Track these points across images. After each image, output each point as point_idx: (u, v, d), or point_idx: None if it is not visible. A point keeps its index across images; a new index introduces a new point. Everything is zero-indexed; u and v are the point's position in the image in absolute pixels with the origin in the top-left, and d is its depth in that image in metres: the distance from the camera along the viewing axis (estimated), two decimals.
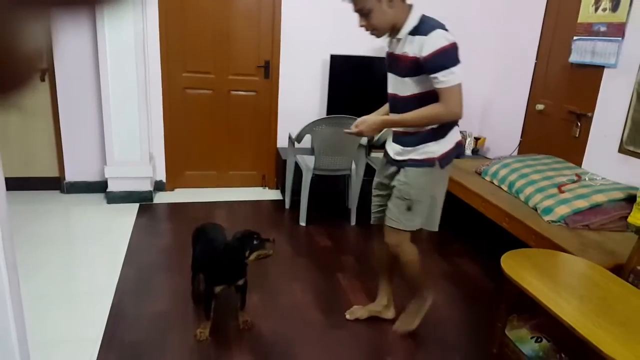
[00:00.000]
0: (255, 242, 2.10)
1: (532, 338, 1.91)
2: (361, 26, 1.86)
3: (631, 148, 2.98)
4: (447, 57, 1.73)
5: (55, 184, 3.96)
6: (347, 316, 2.38)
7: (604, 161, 3.17)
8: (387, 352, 2.12)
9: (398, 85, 1.92)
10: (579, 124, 3.40)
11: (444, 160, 1.96)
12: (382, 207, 2.16)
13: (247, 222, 3.72)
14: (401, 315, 2.30)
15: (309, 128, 3.41)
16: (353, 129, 2.03)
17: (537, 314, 2.03)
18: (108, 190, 3.80)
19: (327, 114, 3.97)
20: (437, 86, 1.76)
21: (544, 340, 1.88)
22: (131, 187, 3.81)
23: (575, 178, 2.99)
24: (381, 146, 3.84)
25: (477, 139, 4.43)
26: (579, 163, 3.34)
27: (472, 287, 2.87)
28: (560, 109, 3.62)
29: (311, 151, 3.70)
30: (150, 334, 2.22)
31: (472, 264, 3.14)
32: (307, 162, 3.61)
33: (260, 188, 4.38)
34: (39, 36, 0.27)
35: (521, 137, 4.05)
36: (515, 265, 1.95)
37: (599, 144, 3.25)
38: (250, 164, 4.33)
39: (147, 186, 3.87)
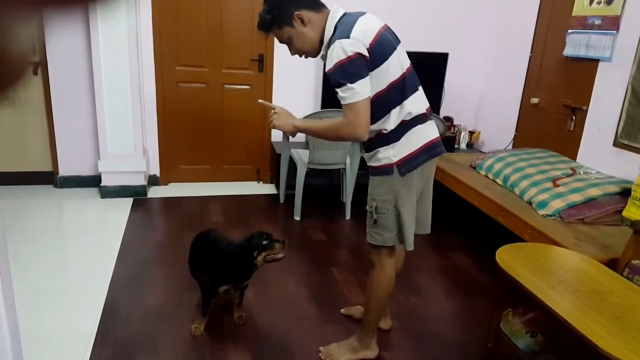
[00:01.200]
0: (264, 242, 2.04)
1: (526, 332, 1.92)
2: (292, 54, 1.78)
3: (626, 142, 2.99)
4: (344, 72, 1.57)
5: (49, 178, 3.92)
6: (342, 310, 2.38)
7: (598, 155, 3.18)
8: (381, 347, 2.12)
9: None
10: (574, 118, 3.40)
11: (404, 165, 1.72)
12: None
13: (242, 216, 3.71)
14: (335, 343, 2.09)
15: None
16: (272, 111, 1.87)
17: (532, 308, 2.04)
18: (102, 184, 3.77)
19: (322, 107, 3.96)
20: (341, 102, 1.63)
21: (539, 335, 1.89)
22: (125, 182, 3.78)
23: (570, 172, 3.00)
24: None
25: (471, 133, 4.43)
26: (573, 157, 3.34)
27: (467, 281, 2.87)
28: (554, 103, 3.62)
29: (305, 145, 3.68)
30: (144, 329, 2.21)
31: (467, 258, 3.14)
32: (302, 156, 3.60)
33: (255, 182, 4.37)
34: (31, 31, 0.27)
35: (516, 131, 4.06)
36: (510, 260, 1.95)
37: (593, 137, 3.25)
38: (245, 158, 4.30)
39: (140, 180, 3.84)
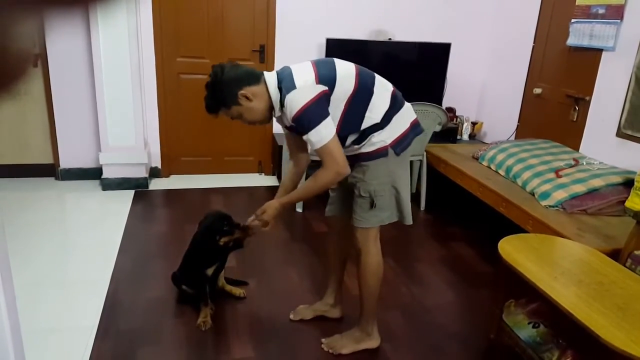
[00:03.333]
0: (224, 227, 2.16)
1: (529, 323, 1.91)
2: (248, 124, 1.86)
3: (629, 132, 2.96)
4: (307, 117, 1.63)
5: (50, 170, 3.92)
6: (291, 316, 2.27)
7: (601, 145, 3.16)
8: (383, 338, 2.12)
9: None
10: (577, 108, 3.38)
11: (398, 146, 1.81)
12: (334, 200, 2.08)
13: (243, 208, 3.70)
14: (337, 334, 2.10)
15: None
16: (256, 221, 1.95)
17: (534, 299, 2.03)
18: (103, 176, 3.77)
19: None
20: (310, 146, 1.70)
21: (542, 326, 1.88)
22: (126, 174, 3.78)
23: (573, 162, 2.98)
24: None
25: (474, 124, 4.41)
26: (576, 147, 3.32)
27: (469, 272, 2.87)
28: (557, 93, 3.60)
29: None
30: (146, 321, 2.22)
31: (469, 249, 3.14)
32: None
33: (257, 174, 4.36)
34: (32, 29, 0.27)
35: (518, 122, 4.03)
36: (513, 251, 1.95)
37: (596, 128, 3.23)
38: (246, 150, 4.29)
39: (142, 173, 3.83)
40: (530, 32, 3.86)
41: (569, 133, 3.43)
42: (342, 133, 1.76)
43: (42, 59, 3.63)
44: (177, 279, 2.37)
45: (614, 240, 2.28)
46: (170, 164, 4.15)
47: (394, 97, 1.83)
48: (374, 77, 1.83)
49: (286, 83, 1.67)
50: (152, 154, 4.01)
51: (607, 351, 1.43)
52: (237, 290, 2.41)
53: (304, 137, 1.70)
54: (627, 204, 2.57)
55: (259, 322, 2.27)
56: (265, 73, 1.75)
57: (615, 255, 2.11)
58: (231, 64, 1.78)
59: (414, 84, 4.20)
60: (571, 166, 2.94)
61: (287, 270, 2.76)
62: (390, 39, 4.14)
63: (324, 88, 1.66)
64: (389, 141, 1.79)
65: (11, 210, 3.28)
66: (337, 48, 3.93)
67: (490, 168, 3.34)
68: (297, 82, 1.66)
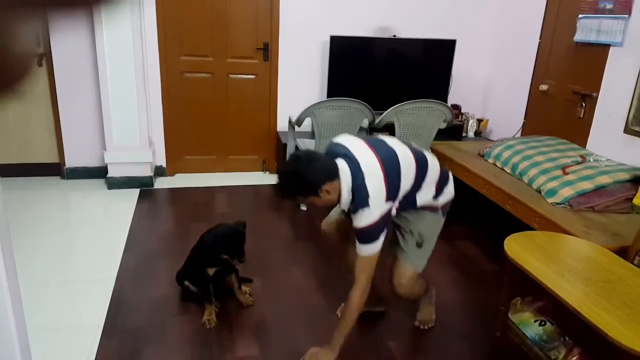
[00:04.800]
0: (224, 257, 2.19)
1: (535, 321, 1.90)
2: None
3: (637, 128, 2.93)
4: (370, 234, 1.78)
5: (56, 169, 3.94)
6: (340, 315, 2.27)
7: (609, 142, 3.13)
8: (389, 336, 2.11)
9: None
10: (584, 105, 3.35)
11: (444, 208, 2.07)
12: (333, 220, 2.23)
13: (248, 207, 3.70)
14: (418, 313, 2.29)
15: (309, 111, 3.37)
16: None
17: (540, 297, 2.02)
18: (108, 175, 3.78)
19: (328, 96, 3.92)
20: (357, 252, 1.83)
21: (548, 324, 1.87)
22: (131, 173, 3.79)
23: (580, 159, 2.95)
24: (383, 128, 3.80)
25: (479, 121, 4.38)
26: (583, 144, 3.29)
27: (475, 270, 2.85)
28: (564, 90, 3.56)
29: (312, 135, 3.66)
30: (151, 319, 2.22)
31: (475, 247, 3.12)
32: (308, 146, 3.57)
33: (261, 173, 4.36)
34: (35, 29, 0.26)
35: (524, 119, 4.00)
36: (519, 248, 1.93)
37: (603, 124, 3.20)
38: (251, 148, 4.29)
39: (147, 171, 3.84)
40: (536, 28, 3.83)
41: (576, 130, 3.40)
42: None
43: (46, 58, 3.65)
44: (180, 276, 2.37)
45: (621, 238, 2.26)
46: (175, 162, 4.16)
47: (438, 186, 2.00)
48: (425, 173, 1.94)
49: (360, 196, 1.75)
50: (156, 152, 4.02)
51: (614, 349, 1.41)
52: (245, 299, 2.36)
53: (359, 244, 1.80)
54: (635, 201, 2.55)
55: (264, 321, 2.27)
56: (341, 168, 1.78)
57: (622, 252, 2.09)
58: (307, 154, 1.85)
59: (419, 81, 4.19)
60: (578, 163, 2.91)
61: (292, 268, 2.76)
62: (394, 35, 4.12)
63: (391, 205, 1.79)
64: (441, 204, 2.03)
65: (17, 209, 3.30)
66: (342, 45, 3.92)
67: (496, 165, 3.32)
68: (370, 201, 1.73)
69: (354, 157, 1.79)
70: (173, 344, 2.07)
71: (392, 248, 2.05)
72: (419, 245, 1.99)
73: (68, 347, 2.02)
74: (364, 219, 1.76)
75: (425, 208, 1.98)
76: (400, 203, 1.86)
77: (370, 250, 1.80)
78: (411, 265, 2.01)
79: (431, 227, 2.02)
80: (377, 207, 1.75)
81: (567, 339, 1.78)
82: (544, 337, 1.82)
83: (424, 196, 1.95)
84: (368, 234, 1.78)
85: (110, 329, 2.13)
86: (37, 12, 0.25)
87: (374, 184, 1.75)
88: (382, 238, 1.80)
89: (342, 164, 1.78)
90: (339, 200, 1.84)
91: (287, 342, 2.13)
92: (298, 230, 3.35)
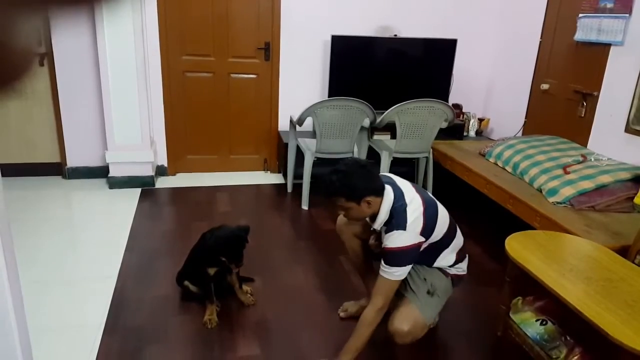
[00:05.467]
0: (222, 260, 2.18)
1: (536, 320, 1.90)
2: (340, 214, 2.00)
3: (638, 127, 2.93)
4: (399, 258, 1.80)
5: (57, 169, 3.94)
6: (341, 314, 2.29)
7: (610, 141, 3.13)
8: (392, 341, 2.11)
9: None
10: (585, 104, 3.34)
11: (455, 280, 2.06)
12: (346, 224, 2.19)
13: (250, 206, 3.71)
14: None
15: (310, 110, 3.37)
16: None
17: (542, 296, 2.02)
18: (110, 175, 3.78)
19: (329, 95, 3.92)
20: (379, 272, 1.84)
21: (549, 323, 1.87)
22: (133, 172, 3.79)
23: (581, 159, 2.95)
24: (384, 128, 3.80)
25: (480, 120, 4.38)
26: (584, 143, 3.29)
27: (476, 269, 2.84)
28: (565, 89, 3.56)
29: (313, 134, 3.66)
30: (153, 318, 2.22)
31: (476, 247, 3.12)
32: (309, 145, 3.58)
33: (262, 172, 4.36)
34: (36, 26, 0.27)
35: (525, 118, 4.00)
36: (520, 247, 1.93)
37: (604, 123, 3.20)
38: (252, 148, 4.30)
39: (148, 171, 3.85)
40: (537, 27, 3.82)
41: (577, 129, 3.40)
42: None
43: (48, 57, 3.65)
44: (180, 276, 2.38)
45: (622, 237, 2.26)
46: (177, 162, 4.16)
47: (458, 257, 2.04)
48: (454, 234, 1.99)
49: (399, 218, 1.81)
50: (158, 152, 4.03)
51: (615, 348, 1.42)
52: (247, 299, 2.36)
53: (384, 266, 1.80)
54: (636, 200, 2.55)
55: (265, 320, 2.27)
56: (386, 189, 1.85)
57: (623, 252, 2.09)
58: (364, 162, 1.97)
59: (420, 80, 4.19)
60: (579, 162, 2.92)
61: (293, 268, 2.76)
62: (396, 35, 4.12)
63: (422, 240, 1.82)
64: (451, 273, 2.02)
65: (19, 209, 3.30)
66: (343, 45, 3.92)
67: (497, 165, 3.32)
68: (408, 225, 1.79)
69: (399, 187, 1.89)
70: (174, 343, 2.08)
71: (397, 296, 1.94)
72: (430, 294, 1.95)
73: (70, 345, 2.02)
74: (398, 240, 1.79)
75: (439, 269, 2.02)
76: (422, 252, 1.86)
77: (393, 274, 1.80)
78: (419, 310, 1.90)
79: (443, 284, 1.99)
80: (413, 233, 1.79)
81: (568, 338, 1.78)
82: (545, 336, 1.82)
83: (444, 259, 1.99)
84: (397, 257, 1.79)
85: (112, 327, 2.14)
86: (39, 10, 0.25)
87: (414, 213, 1.81)
88: (408, 268, 1.81)
89: (387, 187, 1.86)
90: (372, 219, 1.88)
91: (288, 341, 2.13)
92: (299, 229, 3.35)
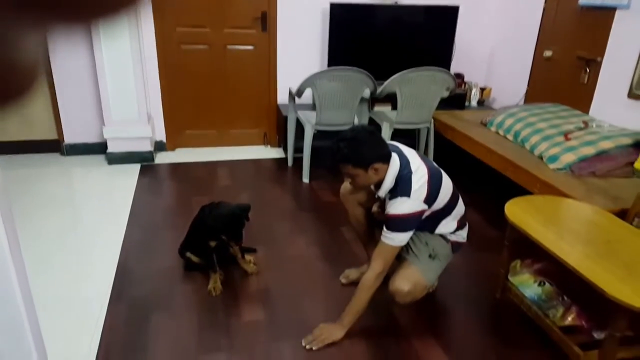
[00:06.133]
0: (223, 237, 2.20)
1: (535, 282, 1.92)
2: (347, 181, 2.00)
3: None
4: (401, 224, 1.83)
5: (55, 146, 3.94)
6: (343, 280, 2.33)
7: (612, 107, 3.10)
8: (392, 300, 2.13)
9: None
10: (588, 70, 3.30)
11: (455, 247, 2.07)
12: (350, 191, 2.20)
13: (250, 181, 3.71)
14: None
15: (310, 81, 3.34)
16: (313, 343, 1.90)
17: (540, 259, 2.03)
18: (108, 151, 3.78)
19: (328, 66, 3.87)
20: (381, 238, 1.87)
21: (547, 284, 1.89)
22: (131, 148, 3.79)
23: (582, 125, 2.93)
24: (384, 99, 3.77)
25: (482, 90, 4.34)
26: (586, 110, 3.27)
27: (477, 236, 2.85)
28: (568, 55, 3.51)
29: (312, 106, 3.63)
30: (157, 288, 2.25)
31: (477, 215, 3.13)
32: (309, 118, 3.56)
33: (262, 146, 4.35)
34: (40, 43, 0.26)
35: (528, 86, 3.96)
36: (520, 212, 1.94)
37: (607, 89, 3.16)
38: (251, 122, 4.27)
39: (147, 146, 3.84)
40: None
41: (579, 96, 3.37)
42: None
43: None
44: (182, 248, 2.40)
45: (621, 201, 2.26)
46: (175, 137, 4.15)
47: (459, 224, 2.05)
48: (456, 203, 2.01)
49: (403, 185, 1.83)
50: (156, 127, 4.01)
51: (612, 306, 1.43)
52: (250, 267, 2.38)
53: (386, 232, 1.83)
54: (637, 165, 2.54)
55: (268, 287, 2.30)
56: (393, 157, 1.86)
57: (622, 215, 2.09)
58: (370, 129, 1.96)
59: (421, 49, 4.13)
60: (580, 129, 2.90)
61: (295, 238, 2.78)
62: (396, 2, 4.05)
63: (425, 207, 1.84)
64: (451, 240, 2.04)
65: (18, 186, 3.31)
66: (342, 13, 3.85)
67: (498, 133, 3.30)
68: (412, 193, 1.81)
69: (405, 155, 1.89)
70: (180, 311, 2.11)
71: (397, 260, 1.98)
72: (432, 257, 1.98)
73: (77, 316, 2.06)
74: (401, 207, 1.80)
75: (440, 235, 2.03)
76: (424, 219, 1.88)
77: (394, 239, 1.82)
78: (421, 272, 1.93)
79: (444, 250, 2.02)
80: (416, 200, 1.81)
81: (565, 298, 1.80)
82: (542, 296, 1.84)
83: (445, 226, 2.01)
84: (399, 223, 1.81)
85: (117, 298, 2.17)
86: (38, 24, 0.25)
87: (419, 181, 1.83)
88: (409, 234, 1.84)
89: (393, 154, 1.87)
90: (377, 186, 1.89)
91: (291, 307, 2.16)
92: (300, 202, 3.36)
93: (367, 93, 3.55)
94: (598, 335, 1.69)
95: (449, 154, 3.61)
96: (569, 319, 1.74)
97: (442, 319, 2.17)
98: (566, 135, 2.85)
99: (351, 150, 1.80)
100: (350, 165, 1.82)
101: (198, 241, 2.30)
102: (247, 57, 4.05)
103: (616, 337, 1.47)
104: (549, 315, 1.77)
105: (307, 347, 1.88)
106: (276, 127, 4.27)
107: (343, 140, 1.83)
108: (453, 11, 3.98)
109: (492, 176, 3.15)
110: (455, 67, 4.21)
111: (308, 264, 2.50)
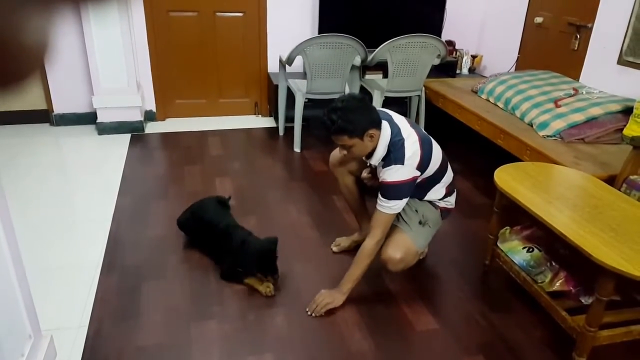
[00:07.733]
0: (256, 270, 2.07)
1: (523, 248, 1.96)
2: (342, 154, 1.95)
3: (631, 59, 2.90)
4: (397, 191, 1.84)
5: (44, 116, 3.88)
6: (334, 249, 2.34)
7: (602, 74, 3.10)
8: (384, 268, 2.17)
9: None
10: (578, 36, 3.28)
11: (444, 213, 2.09)
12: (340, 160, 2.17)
13: (241, 150, 3.70)
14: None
15: (300, 48, 3.29)
16: (316, 309, 1.91)
17: (529, 225, 2.07)
18: (98, 121, 3.73)
19: (319, 32, 3.81)
20: (377, 207, 1.87)
21: (535, 250, 1.93)
22: (121, 118, 3.74)
23: (572, 92, 2.94)
24: (376, 67, 3.73)
25: (473, 57, 4.31)
26: (577, 77, 3.26)
27: (466, 204, 2.90)
28: (559, 21, 3.48)
29: (303, 75, 3.59)
30: (149, 257, 2.27)
31: (467, 182, 3.16)
32: (300, 86, 3.52)
33: (253, 116, 4.31)
34: (45, 25, 0.27)
35: (519, 53, 3.93)
36: (509, 178, 1.96)
37: (597, 56, 3.15)
38: (242, 91, 4.22)
39: (137, 116, 3.79)
40: None
41: (570, 62, 3.36)
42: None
43: None
44: (182, 225, 2.35)
45: (610, 167, 2.29)
46: (166, 107, 4.10)
47: (448, 190, 2.06)
48: (445, 170, 2.02)
49: (396, 152, 1.83)
50: (146, 97, 3.95)
51: (598, 270, 1.47)
52: (264, 289, 2.07)
53: (382, 200, 1.84)
54: (625, 131, 2.57)
55: None
56: (383, 124, 1.86)
57: (611, 181, 2.13)
58: (361, 96, 1.95)
59: (412, 16, 4.07)
60: (570, 96, 2.90)
61: (286, 207, 2.79)
62: None
63: (418, 174, 1.85)
64: (440, 206, 2.06)
65: (7, 156, 3.28)
66: None
67: (489, 101, 3.30)
68: (406, 160, 1.81)
69: (395, 123, 1.89)
70: (172, 279, 2.13)
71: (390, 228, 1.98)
72: (422, 224, 2.00)
73: (69, 283, 2.07)
74: (396, 174, 1.81)
75: (429, 202, 2.05)
76: (415, 186, 1.89)
77: (392, 207, 1.84)
78: (412, 239, 1.95)
79: (434, 216, 2.04)
80: (410, 167, 1.82)
81: (553, 264, 1.84)
82: (531, 262, 1.88)
83: (434, 193, 2.02)
84: (394, 191, 1.82)
85: (109, 266, 2.18)
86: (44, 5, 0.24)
87: (411, 147, 1.83)
88: (405, 201, 1.85)
89: (384, 122, 1.86)
90: (369, 155, 1.89)
91: (283, 275, 2.18)
92: (292, 171, 3.36)
93: (358, 61, 3.51)
94: (586, 300, 1.74)
95: (440, 122, 3.62)
96: (557, 284, 1.78)
97: (432, 285, 2.22)
98: (556, 102, 2.86)
99: (345, 121, 1.78)
100: (347, 136, 1.80)
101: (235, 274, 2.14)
102: (237, 24, 3.97)
103: (602, 301, 1.50)
104: (537, 280, 1.81)
105: (309, 313, 1.92)
106: (267, 96, 4.22)
107: (334, 111, 1.79)
108: None
109: (483, 144, 3.16)
110: (446, 35, 4.16)
111: (300, 232, 2.53)
